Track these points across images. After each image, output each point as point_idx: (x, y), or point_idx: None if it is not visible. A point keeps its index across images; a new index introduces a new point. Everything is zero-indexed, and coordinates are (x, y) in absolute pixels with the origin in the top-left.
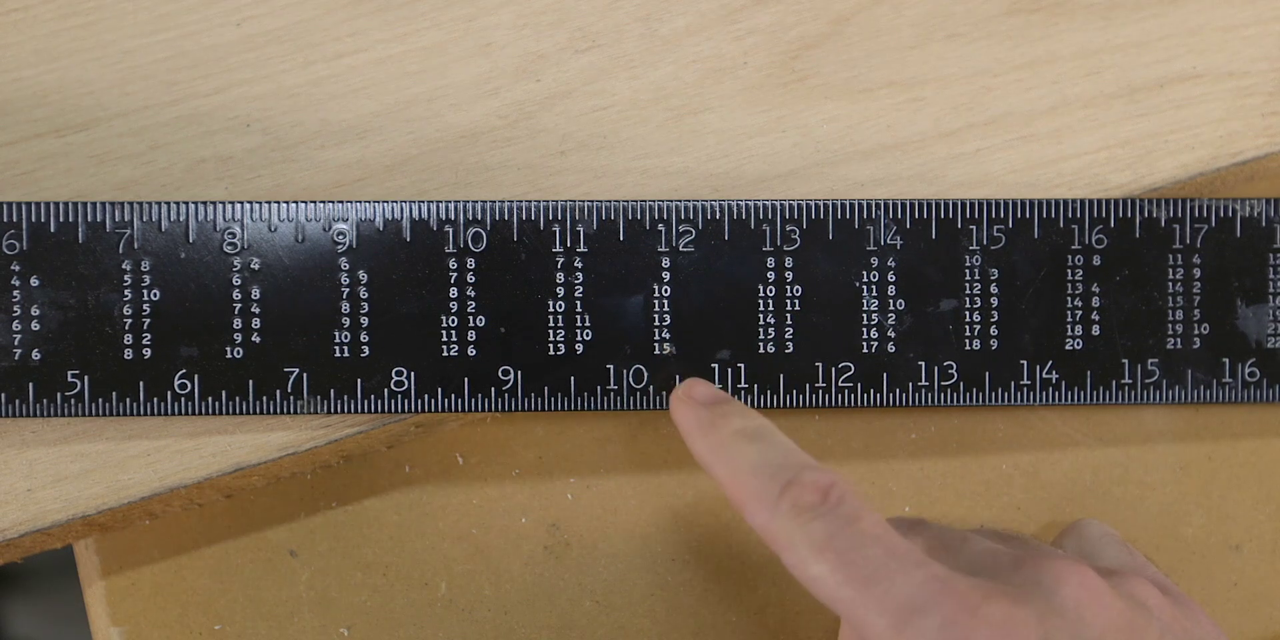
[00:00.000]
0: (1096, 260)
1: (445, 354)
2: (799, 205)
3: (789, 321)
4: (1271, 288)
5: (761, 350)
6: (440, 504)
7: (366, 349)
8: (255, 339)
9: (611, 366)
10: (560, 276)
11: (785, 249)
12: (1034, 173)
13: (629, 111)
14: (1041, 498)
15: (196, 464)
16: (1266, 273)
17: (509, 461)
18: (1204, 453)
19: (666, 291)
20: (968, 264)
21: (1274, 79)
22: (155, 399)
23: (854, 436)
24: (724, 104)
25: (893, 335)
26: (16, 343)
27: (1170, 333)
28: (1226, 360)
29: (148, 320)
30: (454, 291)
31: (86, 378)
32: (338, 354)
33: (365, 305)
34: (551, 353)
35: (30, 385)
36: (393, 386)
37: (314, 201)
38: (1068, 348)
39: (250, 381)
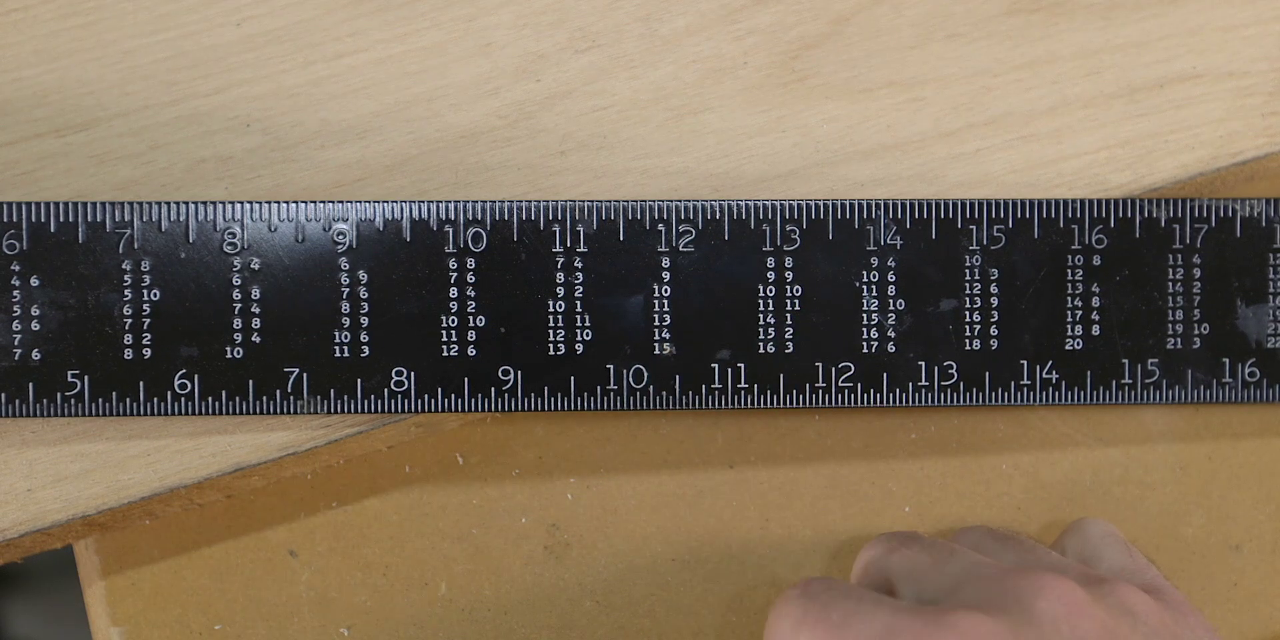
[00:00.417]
0: (1096, 260)
1: (445, 354)
2: (799, 205)
3: (789, 321)
4: (1271, 288)
5: (761, 350)
6: (440, 504)
7: (366, 349)
8: (255, 339)
9: (611, 366)
10: (560, 276)
11: (785, 249)
12: (1034, 173)
13: (629, 111)
14: (1041, 498)
15: (196, 464)
16: (1266, 273)
17: (509, 461)
18: (1204, 453)
19: (666, 291)
20: (968, 264)
21: (1274, 79)
22: (155, 399)
23: (854, 436)
24: (724, 104)
25: (893, 335)
26: (16, 343)
27: (1170, 333)
28: (1226, 360)
29: (148, 320)
30: (454, 291)
31: (86, 378)
32: (338, 354)
33: (365, 305)
34: (551, 353)
35: (30, 385)
36: (393, 386)
37: (314, 201)
38: (1068, 348)
39: (250, 381)
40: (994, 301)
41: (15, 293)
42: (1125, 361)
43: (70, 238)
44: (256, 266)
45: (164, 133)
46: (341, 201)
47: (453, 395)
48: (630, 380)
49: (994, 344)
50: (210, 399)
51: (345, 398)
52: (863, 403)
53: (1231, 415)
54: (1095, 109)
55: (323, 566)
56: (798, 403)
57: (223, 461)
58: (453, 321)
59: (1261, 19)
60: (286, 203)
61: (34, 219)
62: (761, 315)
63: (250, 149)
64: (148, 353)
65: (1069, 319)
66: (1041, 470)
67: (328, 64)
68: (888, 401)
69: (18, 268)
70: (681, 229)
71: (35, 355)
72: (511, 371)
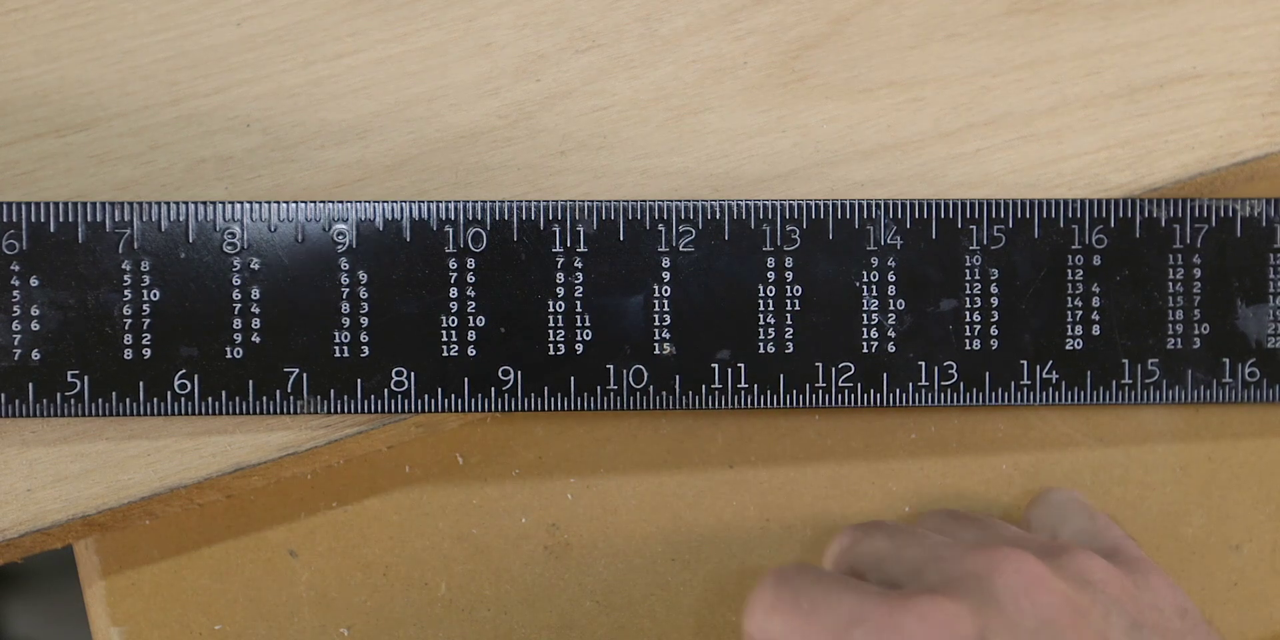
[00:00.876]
0: (1097, 260)
1: (445, 354)
2: (799, 205)
3: (789, 321)
4: (1271, 288)
5: (761, 350)
6: (440, 504)
7: (366, 349)
8: (255, 339)
9: (611, 366)
10: (560, 276)
11: (785, 249)
12: (1034, 173)
13: (629, 111)
14: None
15: (196, 464)
16: (1266, 273)
17: (509, 461)
18: (1204, 453)
19: (666, 291)
20: (968, 264)
21: (1274, 79)
22: (155, 399)
23: (854, 436)
24: (724, 104)
25: (893, 335)
26: (16, 343)
27: (1170, 333)
28: (1226, 360)
29: (147, 320)
30: (454, 291)
31: (86, 378)
32: (338, 354)
33: (365, 305)
34: (551, 353)
35: (30, 385)
36: (393, 386)
37: (314, 201)
38: (1068, 348)
39: (250, 381)
40: (994, 301)
41: (15, 293)
42: (1125, 361)
43: (70, 238)
44: (256, 266)
45: (164, 133)
46: (341, 201)
47: (453, 395)
48: (630, 380)
49: (994, 344)
50: (210, 399)
51: (345, 398)
52: (863, 403)
53: (1231, 415)
54: (1095, 109)
55: (323, 566)
56: (798, 403)
57: (223, 461)
58: (453, 321)
59: (1261, 19)
60: (286, 203)
61: (34, 219)
62: (761, 315)
63: (250, 149)
64: (147, 353)
65: (1069, 319)
66: (1041, 470)
67: (328, 64)
68: (888, 401)
69: (17, 268)
70: (681, 229)
71: (35, 355)
72: (511, 371)
